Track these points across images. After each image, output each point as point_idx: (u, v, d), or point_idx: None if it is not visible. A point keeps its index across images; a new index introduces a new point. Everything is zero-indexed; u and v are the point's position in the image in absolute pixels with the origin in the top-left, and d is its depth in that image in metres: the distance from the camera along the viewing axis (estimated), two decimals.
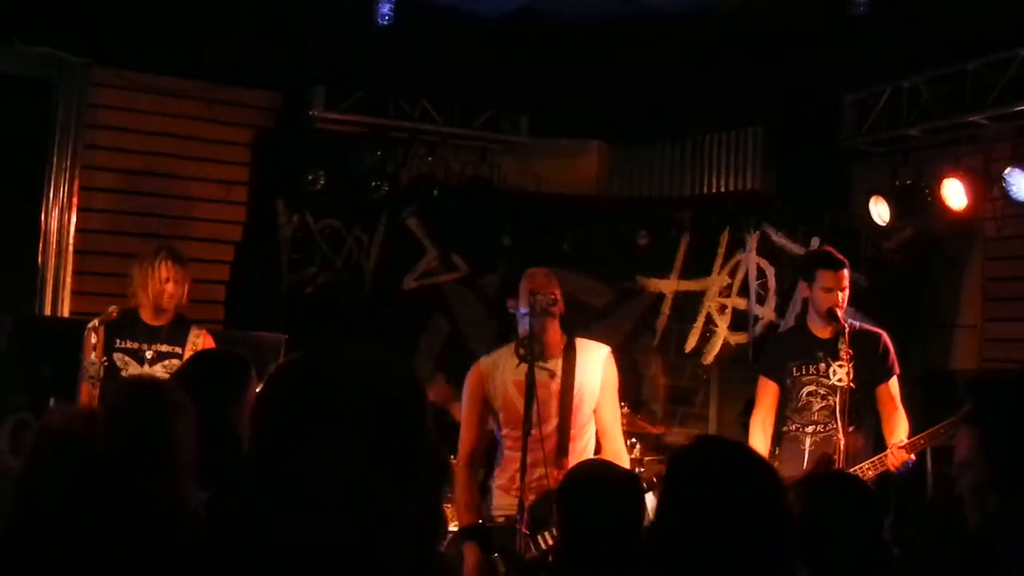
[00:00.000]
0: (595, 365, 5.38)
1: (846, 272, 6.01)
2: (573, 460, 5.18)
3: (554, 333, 5.33)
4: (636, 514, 3.70)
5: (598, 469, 4.15)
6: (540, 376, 5.25)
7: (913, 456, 5.69)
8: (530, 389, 4.91)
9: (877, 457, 5.78)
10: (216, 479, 3.10)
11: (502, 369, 5.30)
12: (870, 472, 5.74)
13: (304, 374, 1.84)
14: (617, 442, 5.45)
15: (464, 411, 5.48)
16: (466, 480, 5.40)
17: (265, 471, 1.78)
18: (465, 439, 5.46)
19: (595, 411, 5.39)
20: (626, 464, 5.45)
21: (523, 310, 5.18)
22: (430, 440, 1.88)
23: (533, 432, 5.06)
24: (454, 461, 5.51)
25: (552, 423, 5.24)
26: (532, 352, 4.88)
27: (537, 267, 5.38)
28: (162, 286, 6.13)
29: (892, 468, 5.72)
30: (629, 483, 3.84)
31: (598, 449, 5.46)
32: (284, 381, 1.85)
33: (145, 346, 6.18)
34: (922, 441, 5.71)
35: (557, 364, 5.32)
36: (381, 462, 1.76)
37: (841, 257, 6.08)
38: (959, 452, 2.79)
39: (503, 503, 5.18)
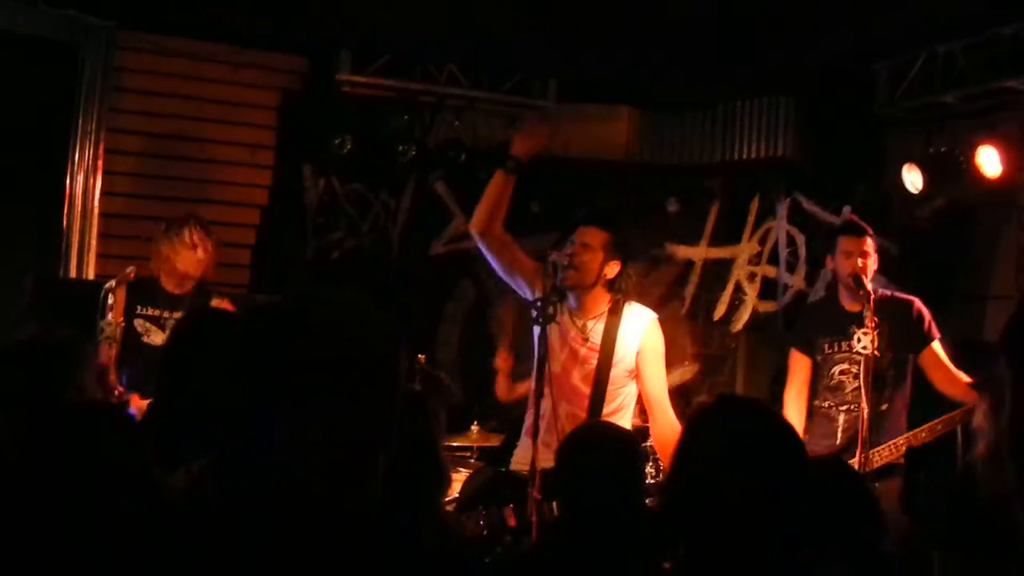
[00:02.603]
0: (635, 331, 5.27)
1: (869, 240, 5.91)
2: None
3: (590, 295, 5.27)
4: (634, 477, 3.65)
5: (596, 432, 4.10)
6: (573, 334, 5.21)
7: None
8: (542, 349, 4.83)
9: (935, 421, 5.66)
10: (212, 444, 3.05)
11: None
12: (903, 446, 5.66)
13: (275, 321, 1.81)
14: (667, 413, 5.29)
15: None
16: None
17: (238, 419, 1.76)
18: None
19: (638, 380, 5.30)
20: (678, 432, 5.32)
21: None
22: (403, 386, 1.84)
23: (557, 375, 5.10)
24: None
25: (585, 381, 5.20)
26: (545, 313, 4.79)
27: (578, 226, 5.28)
28: (192, 252, 6.17)
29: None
30: (627, 445, 3.78)
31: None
32: (256, 328, 1.82)
33: (166, 313, 6.21)
34: (939, 427, 5.64)
35: (595, 328, 5.25)
36: (352, 409, 1.73)
37: (864, 225, 5.99)
38: (975, 419, 2.73)
39: (526, 455, 5.04)
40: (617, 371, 5.23)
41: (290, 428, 1.73)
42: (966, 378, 5.73)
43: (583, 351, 5.23)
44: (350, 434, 1.74)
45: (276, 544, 1.72)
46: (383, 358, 1.81)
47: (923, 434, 5.66)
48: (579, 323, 5.26)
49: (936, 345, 5.93)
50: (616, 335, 5.23)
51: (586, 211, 5.47)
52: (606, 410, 5.23)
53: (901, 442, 5.66)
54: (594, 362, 5.23)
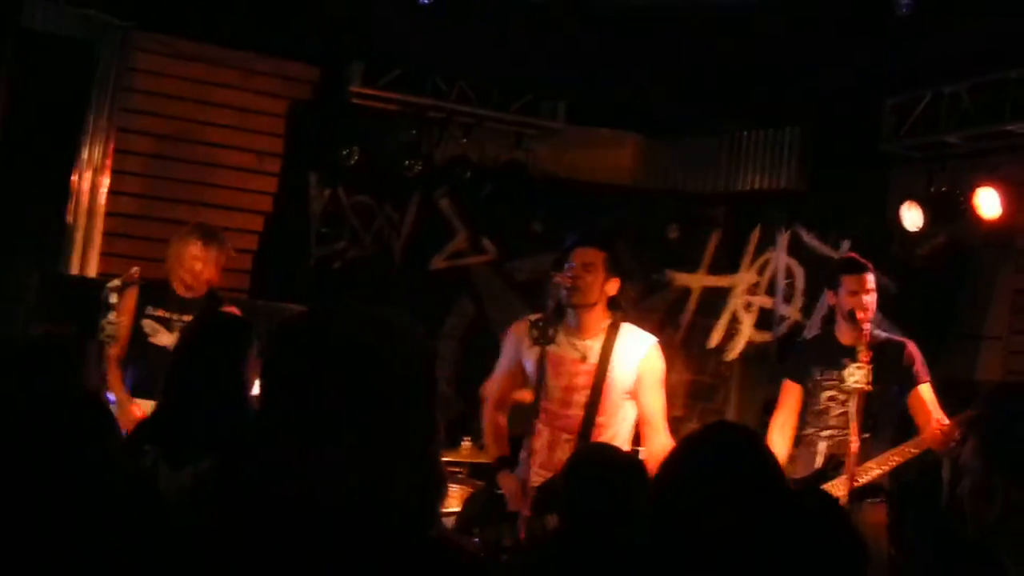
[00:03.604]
0: (634, 355, 5.29)
1: (870, 276, 5.97)
2: None
3: (591, 314, 5.29)
4: (639, 500, 3.67)
5: (602, 453, 4.12)
6: (570, 355, 5.24)
7: (957, 431, 5.52)
8: (541, 371, 4.88)
9: (895, 449, 5.74)
10: (219, 444, 3.09)
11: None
12: (876, 471, 5.72)
13: (308, 334, 1.82)
14: (661, 435, 5.30)
15: (501, 358, 5.52)
16: (492, 420, 5.49)
17: (267, 429, 1.77)
18: (495, 384, 5.54)
19: (637, 402, 5.32)
20: None
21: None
22: (435, 401, 1.85)
23: (553, 409, 5.11)
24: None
25: (580, 405, 5.23)
26: (545, 335, 4.84)
27: (576, 248, 5.34)
28: (190, 263, 6.22)
29: (937, 447, 5.65)
30: (633, 468, 3.81)
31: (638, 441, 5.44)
32: (288, 340, 1.83)
33: (175, 316, 6.24)
34: (909, 450, 5.72)
35: (593, 347, 5.27)
36: (385, 422, 1.74)
37: (863, 261, 6.04)
38: (963, 457, 2.77)
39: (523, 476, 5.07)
40: (614, 391, 5.25)
41: (317, 441, 1.73)
42: (946, 423, 5.80)
43: (581, 378, 5.25)
44: (379, 448, 1.75)
45: (294, 550, 1.73)
46: (420, 372, 1.82)
47: (895, 457, 5.73)
48: (579, 344, 5.28)
49: (924, 388, 5.97)
50: (612, 353, 5.25)
51: (580, 233, 5.50)
52: (605, 436, 5.26)
53: (872, 465, 5.72)
54: (591, 383, 5.26)
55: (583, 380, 5.24)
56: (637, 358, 5.28)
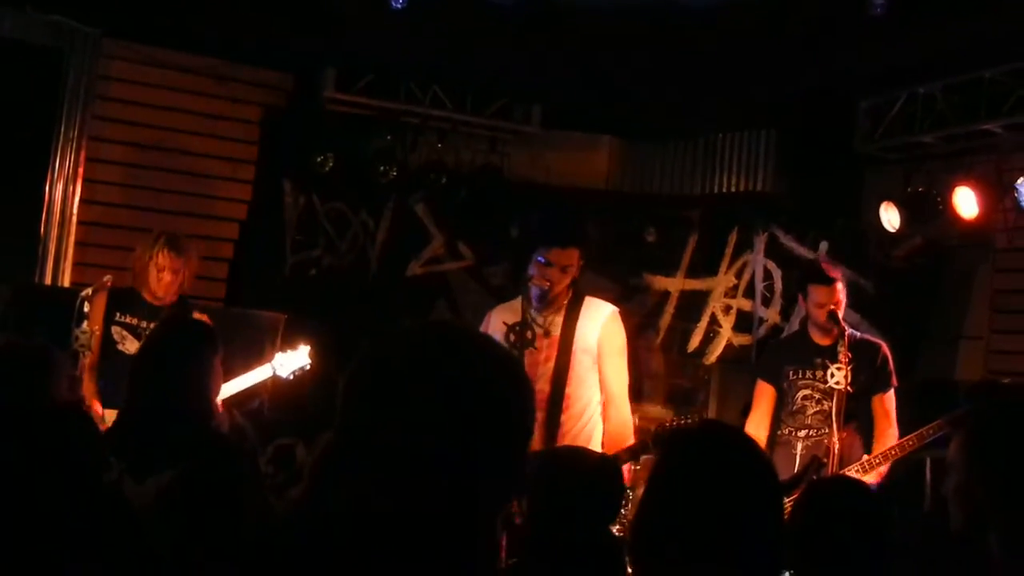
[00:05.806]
0: (595, 323, 5.31)
1: (838, 286, 5.97)
2: (570, 423, 5.17)
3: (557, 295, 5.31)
4: (607, 504, 3.61)
5: (570, 456, 4.07)
6: (531, 334, 5.23)
7: (869, 477, 5.62)
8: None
9: (880, 452, 5.77)
10: (182, 454, 3.03)
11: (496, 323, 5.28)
12: (860, 473, 5.73)
13: (400, 350, 1.77)
14: (623, 411, 5.34)
15: None
16: None
17: (353, 441, 1.71)
18: None
19: (599, 375, 5.31)
20: (630, 432, 5.35)
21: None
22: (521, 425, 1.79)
23: None
24: None
25: (547, 379, 5.21)
26: (523, 339, 4.82)
27: (555, 248, 5.29)
28: (158, 274, 6.13)
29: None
30: (603, 471, 3.75)
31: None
32: (380, 354, 1.76)
33: (144, 323, 6.17)
34: (894, 451, 5.73)
35: (556, 321, 5.27)
36: (472, 444, 1.68)
37: (832, 273, 6.03)
38: (948, 453, 2.75)
39: None
40: (578, 362, 5.23)
41: (401, 454, 1.66)
42: (891, 440, 5.81)
43: (543, 352, 5.25)
44: (460, 465, 1.68)
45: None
46: (503, 401, 1.75)
47: (878, 460, 5.74)
48: (540, 319, 5.27)
49: (891, 393, 6.02)
50: (576, 324, 5.27)
51: (552, 233, 5.42)
52: (575, 409, 5.24)
53: (855, 467, 5.72)
54: (555, 355, 5.25)
55: (545, 354, 5.22)
56: (598, 326, 5.28)
